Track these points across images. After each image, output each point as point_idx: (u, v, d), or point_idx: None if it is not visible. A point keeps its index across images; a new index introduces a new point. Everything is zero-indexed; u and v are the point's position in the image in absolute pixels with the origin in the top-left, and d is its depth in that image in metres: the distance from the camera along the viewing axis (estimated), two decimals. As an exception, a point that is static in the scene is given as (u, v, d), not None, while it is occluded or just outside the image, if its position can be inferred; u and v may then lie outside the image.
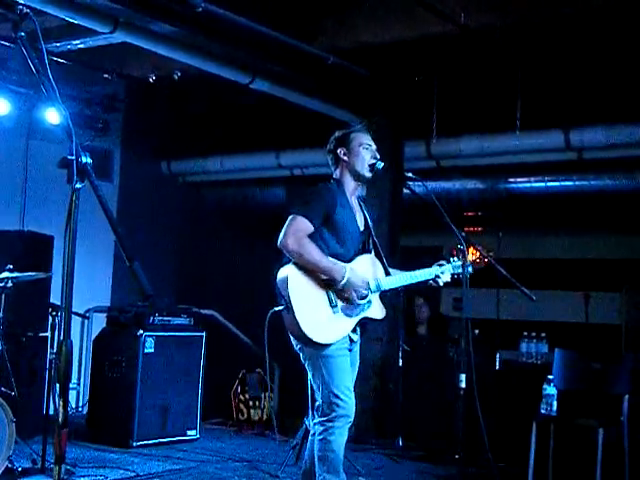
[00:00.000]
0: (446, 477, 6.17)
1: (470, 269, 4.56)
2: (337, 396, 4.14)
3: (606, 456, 5.36)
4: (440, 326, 8.17)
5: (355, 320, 4.28)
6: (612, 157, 7.73)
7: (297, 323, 4.09)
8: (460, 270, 4.55)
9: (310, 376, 4.28)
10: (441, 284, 4.52)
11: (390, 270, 4.47)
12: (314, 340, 4.13)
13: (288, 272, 4.14)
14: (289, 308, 4.11)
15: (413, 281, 4.49)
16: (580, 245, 10.49)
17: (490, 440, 4.72)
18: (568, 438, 5.93)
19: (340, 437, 4.18)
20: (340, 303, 4.21)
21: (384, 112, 8.00)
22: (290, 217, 4.17)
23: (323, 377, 4.17)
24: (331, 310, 4.19)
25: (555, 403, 5.73)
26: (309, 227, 4.15)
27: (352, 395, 4.20)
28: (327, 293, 4.18)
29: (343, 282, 4.15)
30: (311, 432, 4.50)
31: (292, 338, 4.26)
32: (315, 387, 4.26)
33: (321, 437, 4.18)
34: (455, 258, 4.53)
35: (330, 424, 4.15)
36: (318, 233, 4.20)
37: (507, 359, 7.04)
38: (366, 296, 4.27)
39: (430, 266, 4.53)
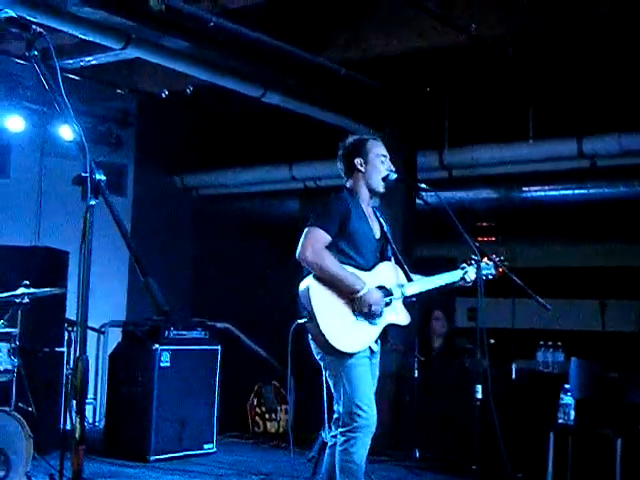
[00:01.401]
0: (464, 488, 6.15)
1: (492, 270, 4.57)
2: (358, 406, 4.13)
3: (625, 466, 5.33)
4: (453, 339, 8.14)
5: (380, 327, 4.28)
6: (626, 164, 7.71)
7: (322, 333, 4.09)
8: (489, 270, 4.56)
9: (331, 386, 4.27)
10: (469, 280, 4.53)
11: (412, 276, 4.46)
12: (339, 349, 4.12)
13: (309, 283, 4.15)
14: (312, 319, 4.11)
15: (438, 284, 4.49)
16: (595, 253, 10.45)
17: (507, 450, 4.70)
18: (586, 448, 5.89)
19: (362, 448, 4.16)
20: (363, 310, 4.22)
21: (397, 123, 8.01)
22: (306, 229, 4.19)
23: (344, 387, 4.16)
24: (354, 318, 4.18)
25: (572, 413, 5.70)
26: (326, 238, 4.16)
27: (373, 405, 4.19)
28: (349, 301, 4.19)
29: (360, 294, 4.15)
30: (328, 444, 4.49)
31: (314, 347, 4.26)
32: (336, 397, 4.25)
33: (342, 448, 4.16)
34: (474, 257, 4.53)
35: (352, 434, 4.13)
36: (335, 245, 4.20)
37: (523, 369, 7.00)
38: (383, 309, 4.27)
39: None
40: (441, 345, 8.06)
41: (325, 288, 4.15)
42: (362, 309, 4.17)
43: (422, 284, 4.46)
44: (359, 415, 4.13)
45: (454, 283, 4.56)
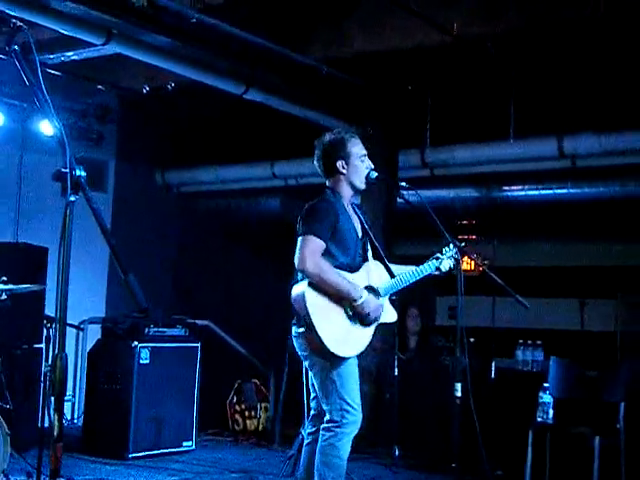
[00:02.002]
0: (443, 486, 6.16)
1: (453, 255, 4.56)
2: (348, 403, 4.18)
3: (602, 464, 5.36)
4: (427, 337, 8.17)
5: (373, 328, 4.32)
6: (606, 164, 7.76)
7: (320, 340, 4.10)
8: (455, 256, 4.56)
9: (317, 384, 4.28)
10: (444, 270, 4.55)
11: (394, 268, 4.49)
12: (338, 355, 4.15)
13: (304, 290, 4.15)
14: (310, 327, 4.11)
15: (415, 279, 4.50)
16: (575, 252, 10.50)
17: (486, 448, 4.72)
18: (564, 446, 5.92)
19: (347, 443, 4.21)
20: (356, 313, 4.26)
21: (378, 121, 8.02)
22: (301, 239, 4.18)
23: (335, 385, 4.19)
24: (349, 322, 4.23)
25: (551, 411, 5.72)
26: (322, 245, 4.17)
27: (360, 402, 4.25)
28: (344, 306, 4.21)
29: (359, 302, 4.19)
30: (305, 442, 4.50)
31: (300, 346, 4.27)
32: (320, 395, 4.26)
33: (327, 443, 4.19)
34: (447, 248, 4.55)
35: (339, 430, 4.17)
36: (325, 248, 4.21)
37: (503, 367, 7.03)
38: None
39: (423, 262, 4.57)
40: (416, 344, 8.09)
41: (320, 294, 4.16)
42: (360, 316, 4.22)
43: (400, 281, 4.47)
44: (348, 412, 4.17)
45: (430, 275, 4.58)
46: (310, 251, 4.13)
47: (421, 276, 4.52)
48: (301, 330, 4.18)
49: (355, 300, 4.19)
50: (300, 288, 4.17)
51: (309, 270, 4.12)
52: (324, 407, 4.25)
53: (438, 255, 4.57)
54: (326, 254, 4.20)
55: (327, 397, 4.23)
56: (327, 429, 4.21)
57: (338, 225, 4.26)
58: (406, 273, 4.49)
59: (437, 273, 4.58)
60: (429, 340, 8.06)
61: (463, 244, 4.54)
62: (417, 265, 4.54)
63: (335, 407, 4.19)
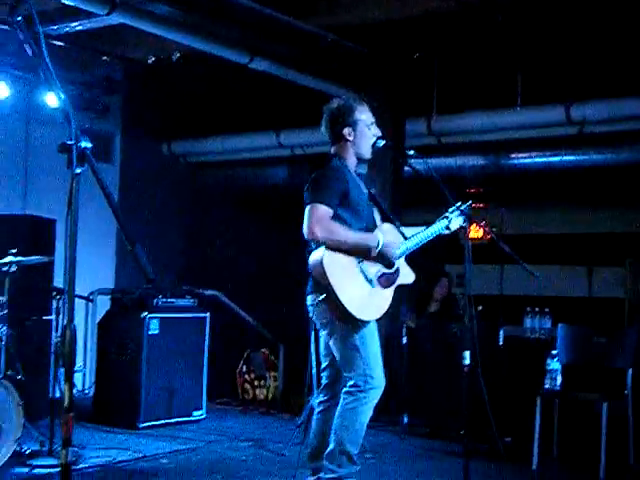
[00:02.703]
0: (451, 453, 6.20)
1: (463, 210, 4.55)
2: (372, 368, 4.23)
3: (610, 429, 5.38)
4: (449, 304, 8.19)
5: (392, 290, 4.35)
6: (613, 131, 7.72)
7: (342, 305, 4.10)
8: (458, 214, 4.57)
9: (339, 350, 4.29)
10: (452, 229, 4.58)
11: (404, 231, 4.50)
12: (362, 319, 4.17)
13: (321, 256, 4.13)
14: (330, 292, 4.10)
15: (427, 239, 4.53)
16: (583, 219, 10.49)
17: (495, 415, 4.74)
18: (572, 412, 5.95)
19: (369, 410, 4.27)
20: (374, 276, 4.25)
21: (385, 89, 7.97)
22: (308, 207, 4.17)
23: (359, 352, 4.22)
24: (369, 285, 4.24)
25: (559, 378, 5.74)
26: (329, 212, 4.17)
27: (382, 367, 4.30)
28: (361, 270, 4.22)
29: (380, 246, 4.21)
30: (316, 410, 4.53)
31: (319, 314, 4.26)
32: (343, 361, 4.28)
33: (352, 406, 4.23)
34: (451, 208, 4.56)
35: (363, 394, 4.22)
36: (336, 215, 4.21)
37: (511, 335, 7.04)
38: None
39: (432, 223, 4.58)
40: (437, 309, 8.13)
41: (338, 260, 4.15)
42: (384, 257, 4.23)
43: (412, 242, 4.48)
44: (372, 377, 4.23)
45: (440, 234, 4.59)
46: (317, 219, 4.12)
47: (432, 236, 4.53)
48: (322, 297, 4.16)
49: (376, 246, 4.20)
50: (318, 254, 4.16)
51: (319, 236, 4.11)
52: (346, 374, 4.27)
53: (446, 214, 4.58)
54: (339, 221, 4.19)
55: (350, 363, 4.25)
56: (350, 393, 4.24)
57: (348, 190, 4.25)
58: (418, 234, 4.50)
59: (447, 232, 4.59)
60: (453, 307, 8.08)
61: (460, 203, 4.53)
62: (427, 227, 4.55)
63: (359, 372, 4.22)
